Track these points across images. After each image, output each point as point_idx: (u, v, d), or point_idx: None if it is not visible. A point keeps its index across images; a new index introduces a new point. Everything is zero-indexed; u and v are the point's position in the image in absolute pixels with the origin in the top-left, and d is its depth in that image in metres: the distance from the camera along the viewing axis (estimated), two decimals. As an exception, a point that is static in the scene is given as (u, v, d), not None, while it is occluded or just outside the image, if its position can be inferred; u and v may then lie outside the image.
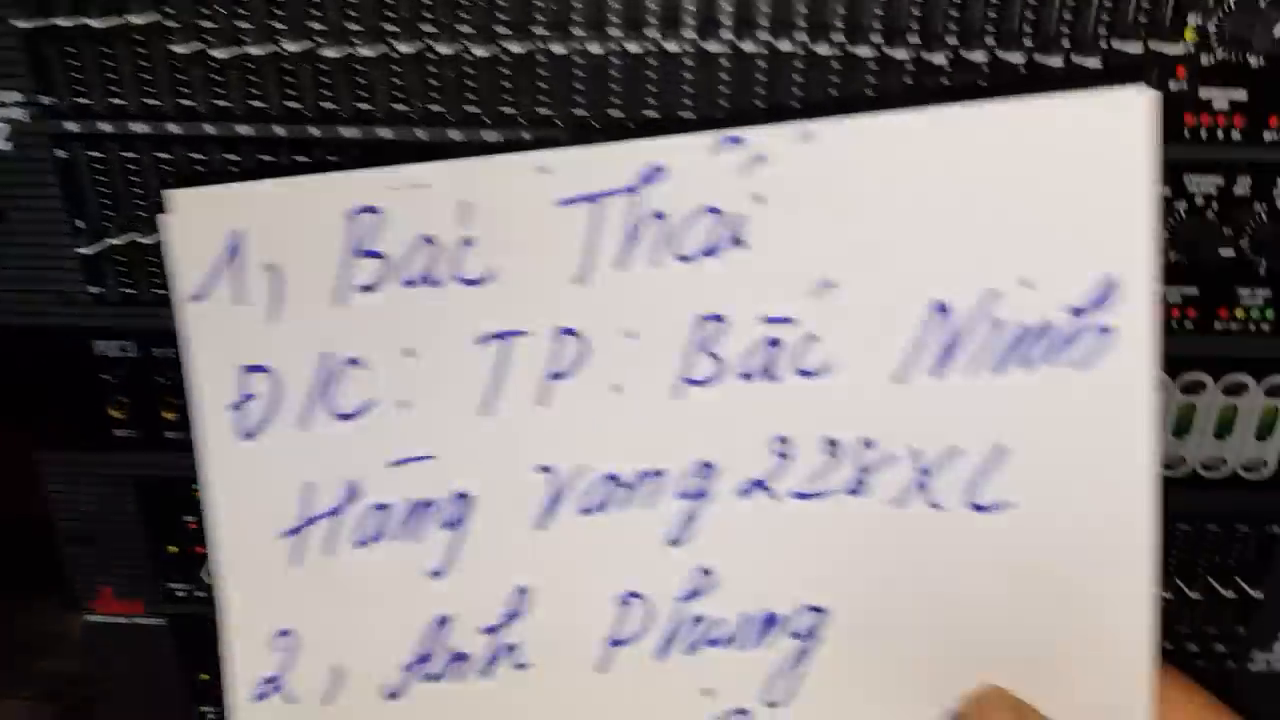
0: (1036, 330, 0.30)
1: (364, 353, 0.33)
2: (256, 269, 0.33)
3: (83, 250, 0.43)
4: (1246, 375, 0.43)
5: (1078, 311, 0.29)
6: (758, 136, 0.30)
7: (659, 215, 0.31)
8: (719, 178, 0.30)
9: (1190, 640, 0.48)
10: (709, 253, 0.31)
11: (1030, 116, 0.29)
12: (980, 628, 0.32)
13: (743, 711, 0.34)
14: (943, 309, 0.30)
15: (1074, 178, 0.28)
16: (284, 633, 0.35)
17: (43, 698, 0.58)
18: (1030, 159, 0.29)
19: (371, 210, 0.32)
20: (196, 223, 0.32)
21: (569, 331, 0.32)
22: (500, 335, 0.33)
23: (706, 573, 0.33)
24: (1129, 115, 0.28)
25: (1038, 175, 0.29)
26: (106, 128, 0.41)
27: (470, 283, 0.32)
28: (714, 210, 0.31)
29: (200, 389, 0.34)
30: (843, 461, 0.32)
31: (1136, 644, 0.31)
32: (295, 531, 0.35)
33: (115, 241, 0.43)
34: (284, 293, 0.33)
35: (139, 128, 0.41)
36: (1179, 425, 0.43)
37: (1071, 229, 0.29)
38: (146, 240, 0.43)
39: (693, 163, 0.30)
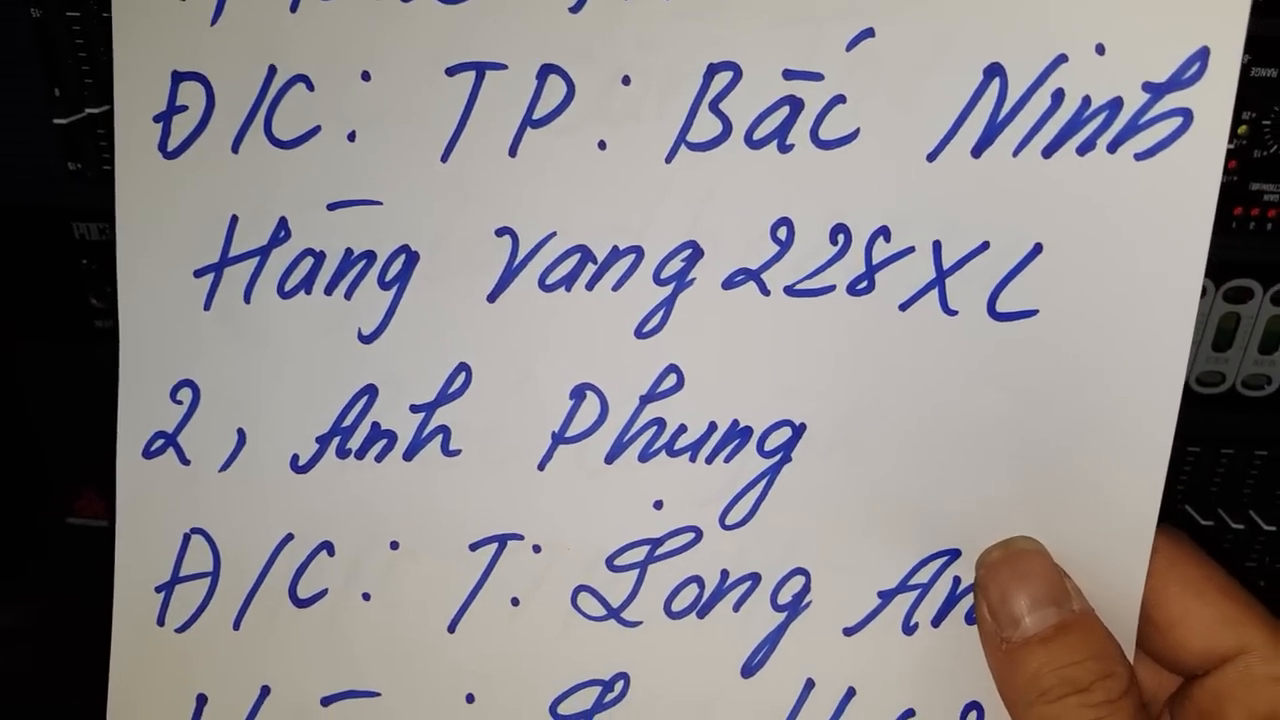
0: (1103, 108, 0.25)
1: (314, 70, 0.29)
2: None
3: (60, 121, 0.39)
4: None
5: (1155, 89, 0.25)
6: None
7: None
8: None
9: (1260, 576, 0.44)
10: None
11: None
12: (974, 456, 0.28)
13: (694, 530, 0.30)
14: (998, 73, 0.26)
15: None
16: (185, 384, 0.31)
17: (23, 604, 0.54)
18: None
19: None
20: None
21: (554, 69, 0.28)
22: (474, 66, 0.28)
23: (675, 371, 0.29)
24: None
25: None
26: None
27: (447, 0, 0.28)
28: None
29: (122, 94, 0.30)
30: (851, 254, 0.28)
31: (1147, 488, 0.27)
32: (213, 270, 0.30)
33: (95, 111, 0.39)
34: None
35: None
36: (1266, 341, 0.39)
37: None
38: (128, 109, 0.39)
39: None
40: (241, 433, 0.31)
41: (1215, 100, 0.25)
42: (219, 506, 0.31)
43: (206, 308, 0.30)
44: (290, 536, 0.31)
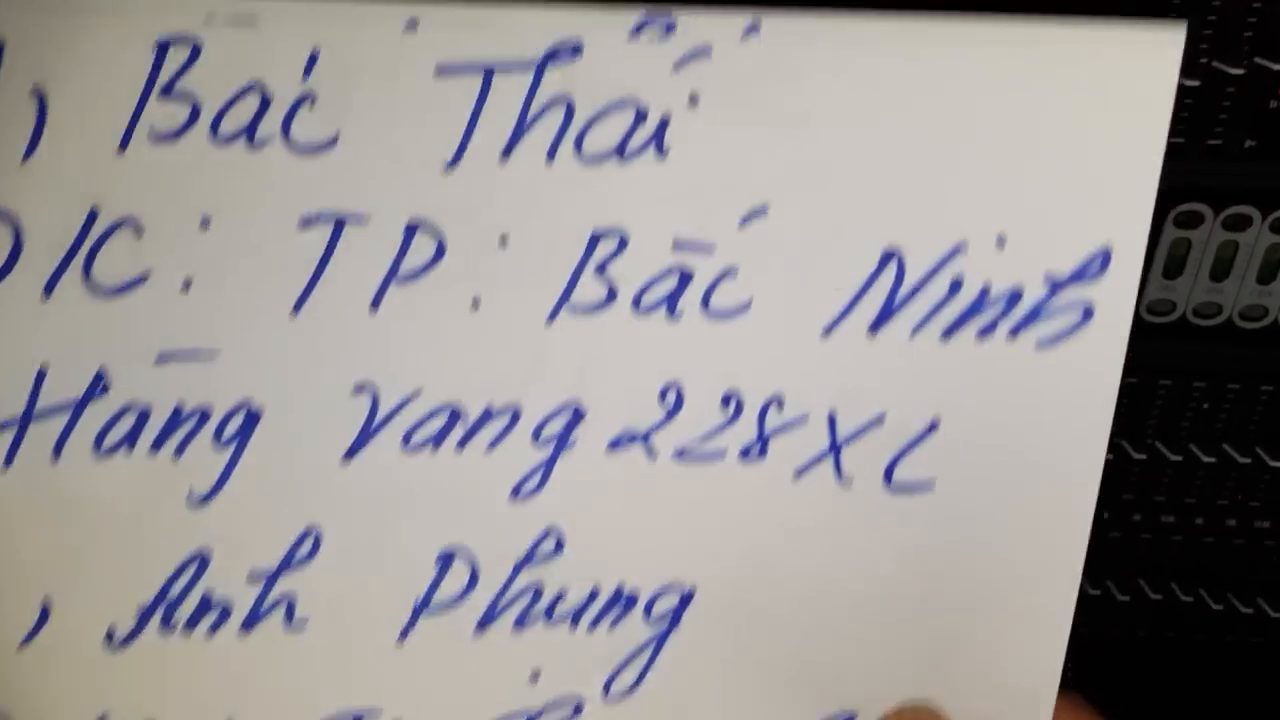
0: (1002, 298, 0.25)
1: (143, 214, 0.25)
2: (19, 90, 0.24)
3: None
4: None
5: (1055, 283, 0.25)
6: (695, 23, 0.24)
7: (564, 102, 0.24)
8: (643, 66, 0.24)
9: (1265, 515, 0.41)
10: (620, 155, 0.25)
11: (1030, 40, 0.24)
12: (871, 623, 0.27)
13: (574, 700, 0.28)
14: (895, 258, 0.25)
15: (1075, 120, 0.24)
16: None
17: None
18: (1024, 91, 0.24)
19: (188, 41, 0.24)
20: None
21: (422, 226, 0.25)
22: (332, 217, 0.25)
23: (553, 535, 0.27)
24: (1156, 55, 0.23)
25: (1030, 111, 0.24)
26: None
27: (304, 151, 0.25)
28: (633, 104, 0.24)
29: None
30: (742, 421, 0.27)
31: (1046, 661, 0.27)
32: (15, 424, 0.26)
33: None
34: (50, 127, 0.25)
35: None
36: (1264, 270, 0.36)
37: (1063, 181, 0.24)
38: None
39: (614, 44, 0.24)
40: (46, 604, 0.27)
41: (1117, 296, 0.25)
42: (18, 687, 0.27)
43: (7, 464, 0.26)
44: (104, 718, 0.28)
